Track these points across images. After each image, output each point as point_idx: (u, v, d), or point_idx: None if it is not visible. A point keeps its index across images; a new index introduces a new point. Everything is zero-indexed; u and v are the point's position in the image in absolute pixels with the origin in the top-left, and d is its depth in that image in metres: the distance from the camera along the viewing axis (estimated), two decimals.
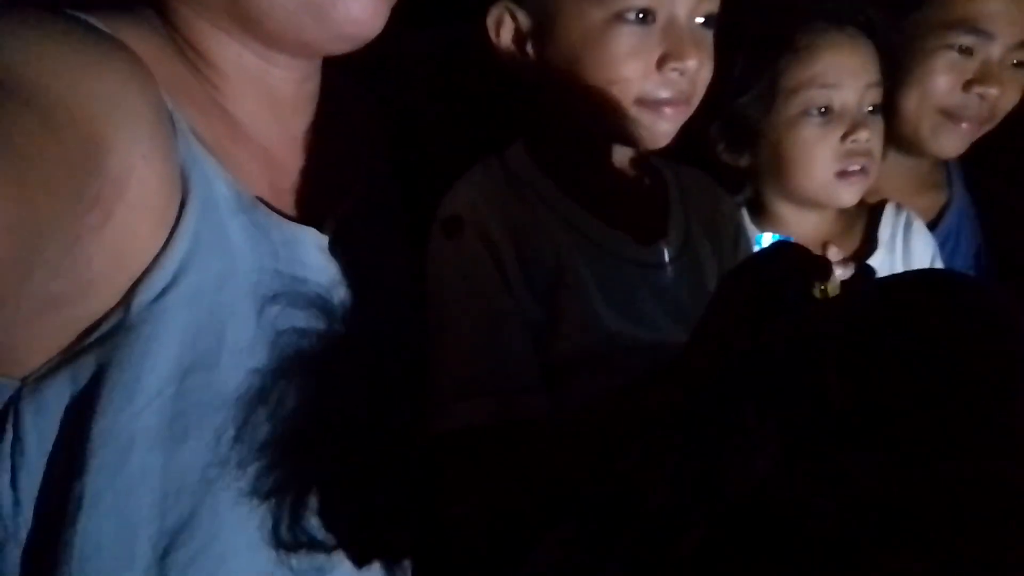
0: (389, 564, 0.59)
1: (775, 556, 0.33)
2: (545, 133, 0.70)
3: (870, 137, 0.80)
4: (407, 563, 0.60)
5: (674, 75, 0.63)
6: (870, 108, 0.81)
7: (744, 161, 0.84)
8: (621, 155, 0.71)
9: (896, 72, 0.84)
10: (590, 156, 0.70)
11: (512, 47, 0.67)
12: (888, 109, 0.86)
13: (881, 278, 0.46)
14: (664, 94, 0.63)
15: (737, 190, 0.85)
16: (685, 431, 0.43)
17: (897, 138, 0.90)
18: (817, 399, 0.36)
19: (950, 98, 0.88)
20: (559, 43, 0.64)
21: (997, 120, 0.90)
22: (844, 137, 0.80)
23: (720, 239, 0.76)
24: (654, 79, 0.63)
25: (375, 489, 0.58)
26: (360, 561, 0.56)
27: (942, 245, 0.93)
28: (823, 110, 0.80)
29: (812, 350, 0.40)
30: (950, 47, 0.87)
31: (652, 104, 0.64)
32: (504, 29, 0.67)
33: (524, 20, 0.66)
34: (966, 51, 0.87)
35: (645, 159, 0.75)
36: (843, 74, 0.79)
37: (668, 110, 0.64)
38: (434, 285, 0.64)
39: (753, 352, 0.46)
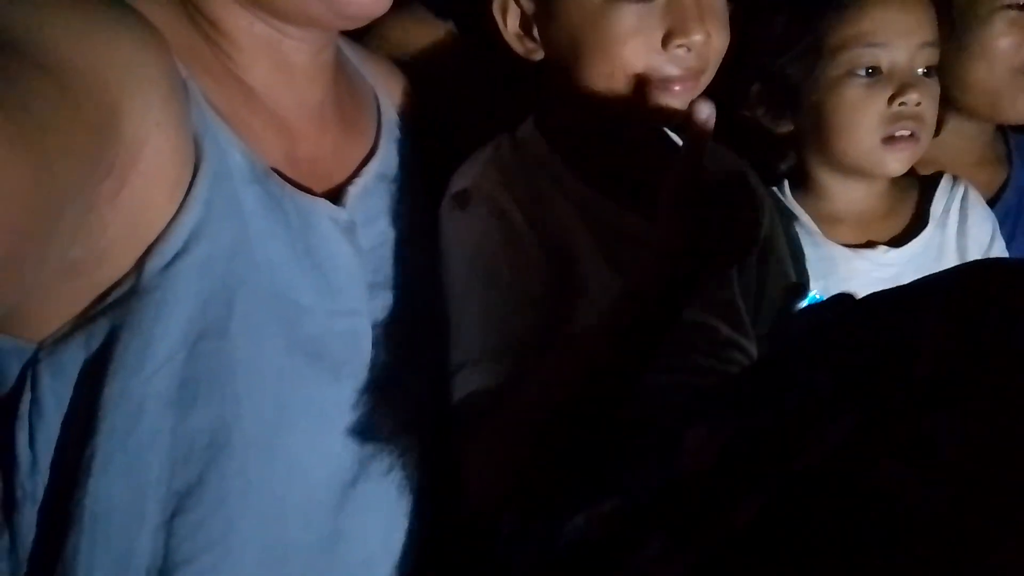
0: None
1: (845, 527, 0.32)
2: (556, 113, 0.69)
3: (920, 100, 0.75)
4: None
5: (680, 51, 0.61)
6: (924, 70, 0.76)
7: (785, 127, 0.80)
8: (637, 133, 0.69)
9: (955, 42, 0.79)
10: (602, 136, 0.68)
11: (520, 32, 0.67)
12: (951, 78, 0.81)
13: (985, 259, 0.44)
14: (672, 71, 0.61)
15: (779, 159, 0.81)
16: (748, 401, 0.42)
17: (968, 107, 0.85)
18: (904, 366, 0.35)
19: (1020, 56, 0.82)
20: (562, 27, 0.63)
21: None
22: (892, 99, 0.74)
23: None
24: (660, 57, 0.61)
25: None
26: None
27: (1001, 223, 0.88)
28: (870, 70, 0.75)
29: (905, 318, 0.39)
30: (1007, 7, 0.81)
31: (660, 82, 0.62)
32: (510, 16, 0.66)
33: (528, 6, 0.65)
34: None
35: (665, 136, 0.72)
36: (892, 32, 0.74)
37: (677, 87, 0.62)
38: (447, 256, 0.63)
39: (825, 321, 0.45)
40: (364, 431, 0.57)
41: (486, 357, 0.58)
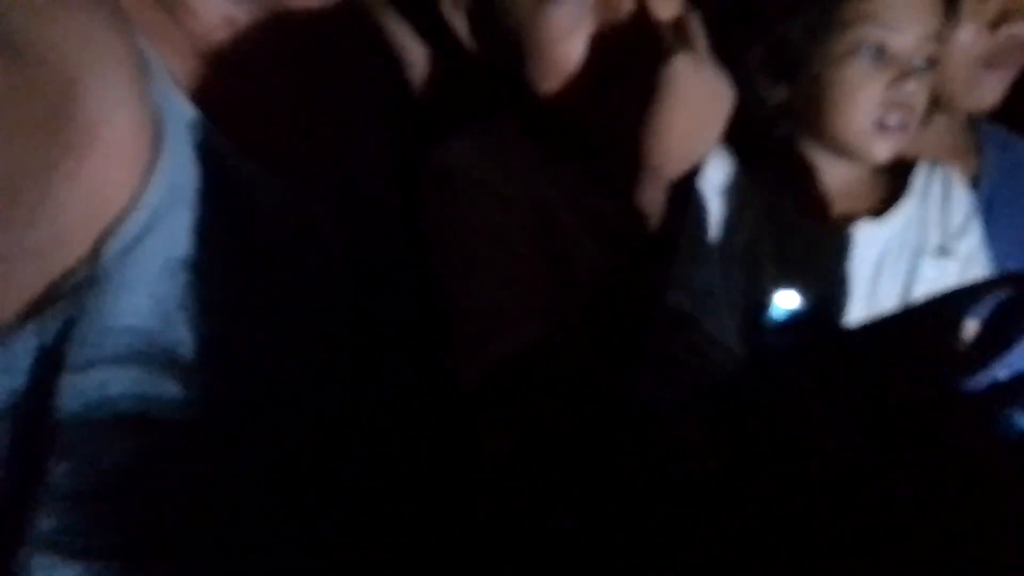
0: None
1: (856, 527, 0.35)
2: (527, 105, 0.67)
3: (916, 91, 0.75)
4: None
5: None
6: (923, 63, 0.76)
7: (780, 96, 0.78)
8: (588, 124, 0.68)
9: None
10: (562, 127, 0.67)
11: (469, 32, 0.66)
12: None
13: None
14: None
15: (770, 131, 0.80)
16: (747, 404, 0.43)
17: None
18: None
19: (978, 46, 0.83)
20: (501, 28, 0.62)
21: None
22: (890, 84, 0.74)
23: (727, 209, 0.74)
24: None
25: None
26: None
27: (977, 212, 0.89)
28: (876, 51, 0.74)
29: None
30: None
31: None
32: (457, 16, 0.65)
33: (471, 7, 0.64)
34: None
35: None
36: (904, 17, 0.74)
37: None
38: (438, 237, 0.62)
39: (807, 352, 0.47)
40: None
41: (508, 324, 0.57)
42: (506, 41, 0.63)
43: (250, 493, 0.50)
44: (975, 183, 0.93)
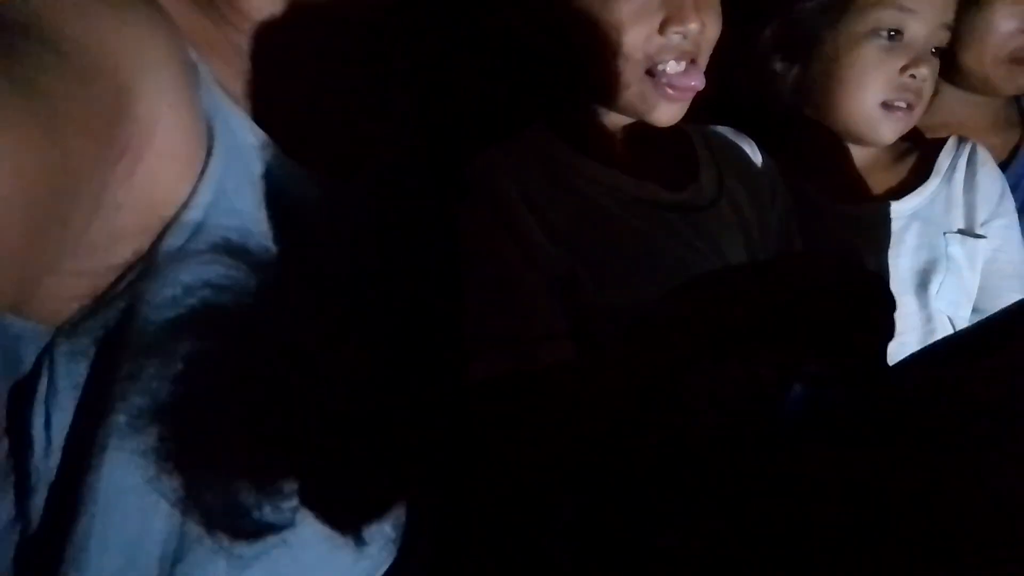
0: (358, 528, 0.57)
1: None
2: (565, 104, 0.70)
3: (927, 76, 0.76)
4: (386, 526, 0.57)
5: (676, 38, 0.63)
6: (934, 49, 0.77)
7: (793, 74, 0.80)
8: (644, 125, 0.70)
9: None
10: (611, 122, 0.69)
11: (525, 16, 0.67)
12: (950, 57, 0.81)
13: None
14: (668, 57, 0.64)
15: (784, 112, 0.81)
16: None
17: (966, 83, 0.86)
18: None
19: (1015, 42, 0.83)
20: (566, 10, 0.64)
21: None
22: (904, 69, 0.75)
23: (758, 190, 0.74)
24: (657, 43, 0.63)
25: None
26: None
27: (1014, 187, 0.88)
28: (892, 34, 0.75)
29: None
30: None
31: (659, 82, 0.64)
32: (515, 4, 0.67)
33: None
34: None
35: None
36: (924, 3, 0.75)
37: (672, 91, 0.64)
38: (460, 244, 0.64)
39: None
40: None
41: (483, 349, 0.60)
42: (570, 26, 0.64)
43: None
44: (1014, 155, 0.92)
